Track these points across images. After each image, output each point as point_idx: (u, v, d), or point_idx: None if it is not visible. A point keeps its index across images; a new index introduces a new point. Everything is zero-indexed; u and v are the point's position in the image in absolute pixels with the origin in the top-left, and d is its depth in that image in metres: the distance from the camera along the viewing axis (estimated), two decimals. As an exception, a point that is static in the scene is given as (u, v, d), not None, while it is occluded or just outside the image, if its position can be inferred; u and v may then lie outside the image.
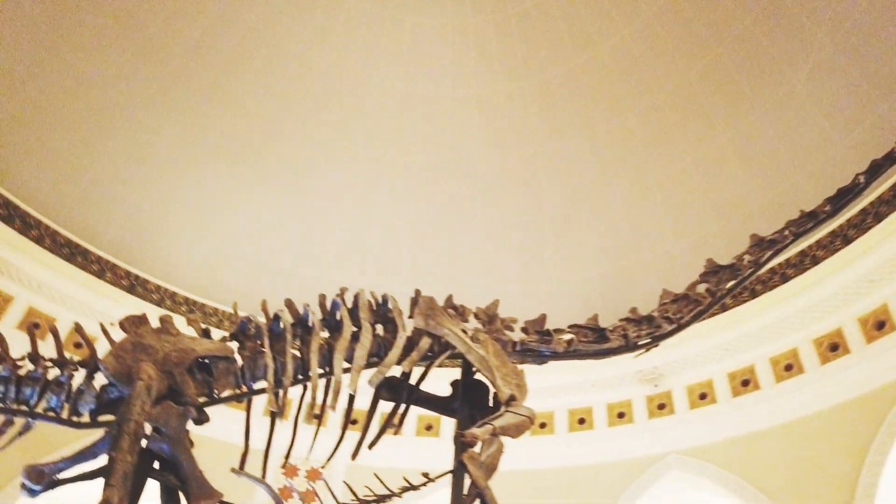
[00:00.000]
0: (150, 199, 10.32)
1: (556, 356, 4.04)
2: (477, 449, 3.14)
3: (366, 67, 11.04)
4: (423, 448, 9.82)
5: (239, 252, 10.82)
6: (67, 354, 3.55)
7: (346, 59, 10.97)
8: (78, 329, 3.64)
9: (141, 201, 10.23)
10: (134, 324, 3.43)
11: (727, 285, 4.25)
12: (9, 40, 9.15)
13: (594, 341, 4.09)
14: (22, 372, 3.26)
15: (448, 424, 10.49)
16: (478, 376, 3.87)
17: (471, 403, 3.78)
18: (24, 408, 3.21)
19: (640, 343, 4.10)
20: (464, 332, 3.83)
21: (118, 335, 3.52)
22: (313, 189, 11.19)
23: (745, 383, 8.96)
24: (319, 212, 11.25)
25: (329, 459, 3.71)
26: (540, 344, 4.03)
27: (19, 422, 3.25)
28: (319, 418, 3.53)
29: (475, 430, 3.17)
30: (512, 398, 3.53)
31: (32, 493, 2.95)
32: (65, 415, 3.24)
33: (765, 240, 4.36)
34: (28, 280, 8.84)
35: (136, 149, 10.21)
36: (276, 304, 3.95)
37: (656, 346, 4.15)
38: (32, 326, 8.76)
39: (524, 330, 4.16)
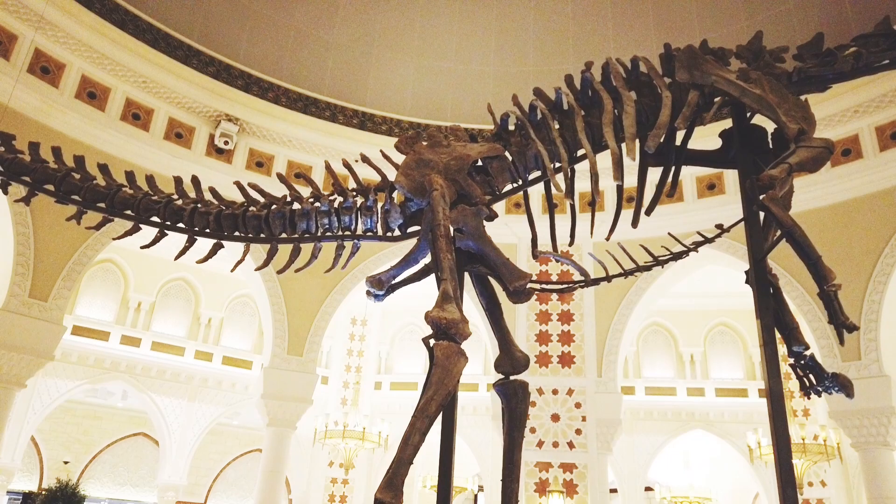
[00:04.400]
0: (356, 40, 10.66)
1: (844, 76, 3.56)
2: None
3: None
4: (669, 215, 9.70)
5: (444, 70, 10.92)
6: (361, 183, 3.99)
7: None
8: (345, 164, 4.01)
9: (350, 44, 10.64)
10: (408, 144, 3.70)
11: None
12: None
13: (889, 47, 3.50)
14: (336, 204, 3.75)
15: (698, 188, 10.24)
16: (753, 120, 3.60)
17: (749, 149, 3.56)
18: (348, 233, 3.75)
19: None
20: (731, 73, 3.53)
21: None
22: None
23: None
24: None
25: (611, 233, 3.82)
26: (821, 68, 3.56)
27: (347, 245, 3.83)
28: (594, 195, 3.59)
29: (771, 172, 3.04)
30: (801, 132, 3.27)
31: (378, 297, 3.53)
32: (380, 232, 3.73)
33: None
34: (280, 138, 10.00)
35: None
36: (501, 107, 3.96)
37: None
38: (295, 175, 10.12)
39: (798, 57, 3.69)
